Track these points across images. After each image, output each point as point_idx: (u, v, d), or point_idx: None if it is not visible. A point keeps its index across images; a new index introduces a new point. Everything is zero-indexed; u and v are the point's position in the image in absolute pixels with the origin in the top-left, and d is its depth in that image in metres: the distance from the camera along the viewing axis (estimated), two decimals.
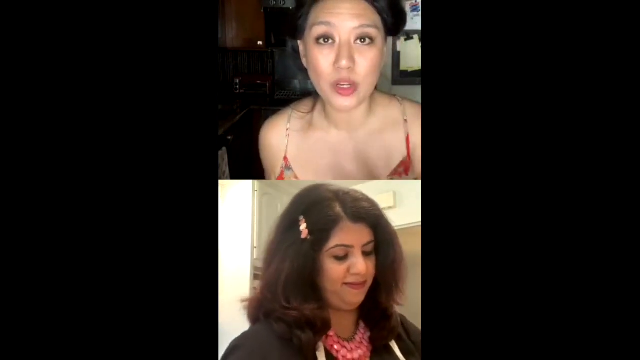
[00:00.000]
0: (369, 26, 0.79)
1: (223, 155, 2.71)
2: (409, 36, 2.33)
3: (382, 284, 0.74)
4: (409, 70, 2.45)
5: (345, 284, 0.70)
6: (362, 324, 0.77)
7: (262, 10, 3.54)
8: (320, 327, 0.69)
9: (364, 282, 0.71)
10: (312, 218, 0.71)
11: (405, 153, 0.92)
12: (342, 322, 0.74)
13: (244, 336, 0.70)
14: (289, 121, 0.96)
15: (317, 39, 0.81)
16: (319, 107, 0.94)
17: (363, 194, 0.76)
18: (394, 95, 0.96)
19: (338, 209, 0.71)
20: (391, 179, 0.91)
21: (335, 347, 0.71)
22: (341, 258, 0.70)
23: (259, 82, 3.87)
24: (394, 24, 0.84)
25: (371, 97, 0.91)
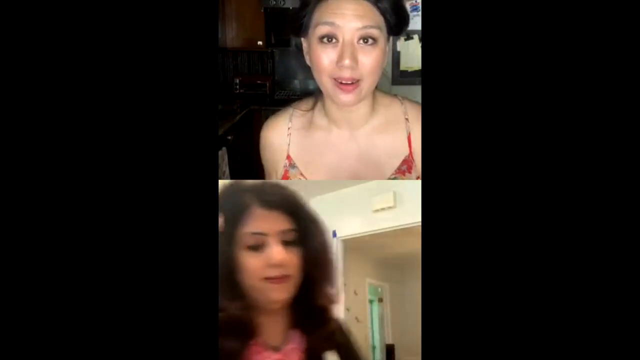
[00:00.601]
0: (372, 27, 0.81)
1: (223, 155, 2.71)
2: (409, 36, 2.33)
3: (311, 280, 0.69)
4: (409, 70, 2.45)
5: (266, 278, 0.65)
6: (297, 332, 0.71)
7: (262, 10, 3.53)
8: (244, 331, 0.65)
9: (286, 276, 0.66)
10: (226, 212, 0.68)
11: (407, 151, 0.92)
12: (271, 327, 0.69)
13: None
14: (290, 120, 0.96)
15: (321, 38, 0.82)
16: (319, 105, 0.95)
17: (283, 186, 0.72)
18: (395, 95, 0.97)
19: (248, 196, 0.67)
20: (395, 177, 0.91)
21: (256, 357, 0.66)
22: (256, 248, 0.66)
23: (259, 82, 3.87)
24: (396, 25, 0.85)
25: (372, 97, 0.91)
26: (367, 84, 0.84)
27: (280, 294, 0.67)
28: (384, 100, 0.94)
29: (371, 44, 0.81)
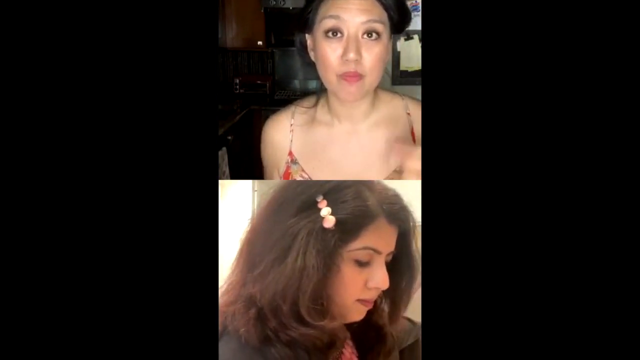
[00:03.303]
0: (376, 21, 0.82)
1: (223, 155, 2.71)
2: (409, 36, 2.33)
3: (387, 304, 0.65)
4: (409, 70, 2.45)
5: (359, 300, 0.59)
6: (349, 343, 0.67)
7: (262, 10, 3.53)
8: (335, 348, 0.59)
9: (374, 300, 0.61)
10: (338, 204, 0.58)
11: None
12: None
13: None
14: (292, 117, 0.97)
15: (326, 32, 0.83)
16: (322, 102, 0.95)
17: (394, 190, 0.63)
18: (396, 92, 0.98)
19: (373, 200, 0.58)
20: (400, 170, 0.90)
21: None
22: (363, 265, 0.59)
23: (259, 82, 3.87)
24: (399, 22, 0.86)
25: (374, 94, 0.93)
26: (371, 79, 0.85)
27: (362, 316, 0.61)
28: (385, 96, 0.96)
29: (375, 39, 0.83)
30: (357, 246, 0.57)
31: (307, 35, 0.89)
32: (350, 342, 0.68)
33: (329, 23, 0.82)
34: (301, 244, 0.55)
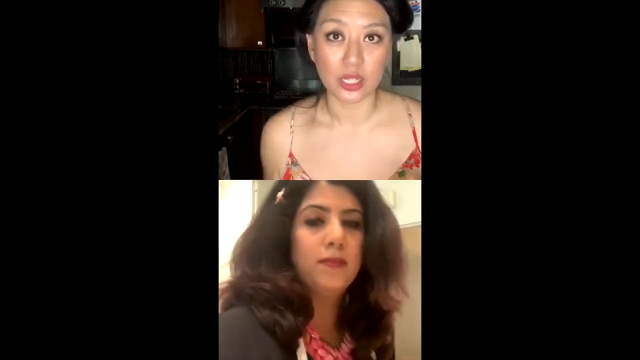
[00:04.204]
0: (377, 25, 0.81)
1: (223, 155, 2.71)
2: (409, 36, 2.33)
3: (372, 275, 0.65)
4: (409, 70, 2.44)
5: (321, 261, 0.62)
6: (347, 335, 0.67)
7: (262, 10, 3.53)
8: (300, 306, 0.61)
9: (342, 261, 0.62)
10: (290, 184, 0.67)
11: (414, 146, 0.93)
12: (324, 322, 0.66)
13: (222, 323, 0.61)
14: (292, 118, 0.97)
15: (327, 35, 0.82)
16: (321, 103, 0.95)
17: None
18: (397, 93, 0.98)
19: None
20: (403, 170, 0.92)
21: (320, 352, 0.64)
22: (314, 224, 0.63)
23: (259, 82, 3.87)
24: (401, 22, 0.86)
25: (375, 94, 0.92)
26: (371, 82, 0.84)
27: (334, 280, 0.62)
28: (386, 97, 0.95)
29: (376, 42, 0.82)
30: (302, 207, 0.63)
31: (307, 35, 0.89)
32: (347, 334, 0.67)
33: (330, 26, 0.81)
34: (257, 222, 0.63)
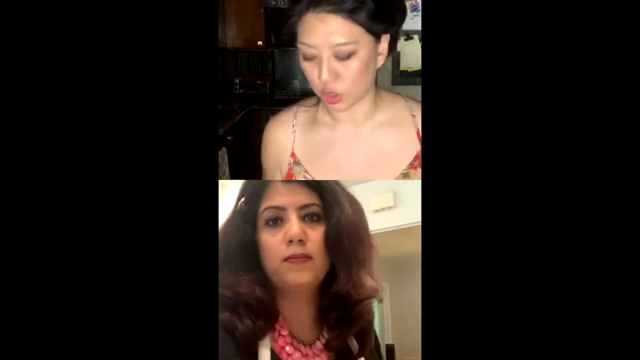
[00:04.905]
0: (345, 44, 0.79)
1: (223, 155, 2.71)
2: (409, 36, 2.33)
3: (334, 263, 0.64)
4: (409, 70, 2.44)
5: (285, 260, 0.62)
6: (325, 329, 0.67)
7: (262, 10, 3.54)
8: (259, 311, 0.62)
9: (306, 256, 0.62)
10: (247, 191, 0.68)
11: (418, 147, 0.92)
12: (300, 319, 0.66)
13: None
14: (295, 117, 0.97)
15: (303, 56, 0.83)
16: (322, 102, 0.94)
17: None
18: (399, 94, 0.97)
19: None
20: (407, 172, 0.92)
21: (288, 349, 0.63)
22: (274, 224, 0.63)
23: (259, 82, 3.87)
24: (384, 28, 0.83)
25: (376, 94, 0.92)
26: (354, 92, 0.84)
27: (301, 276, 0.62)
28: (387, 96, 0.95)
29: (348, 59, 0.80)
30: (261, 210, 0.64)
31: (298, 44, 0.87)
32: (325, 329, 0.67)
33: (302, 49, 0.82)
34: (225, 223, 0.65)
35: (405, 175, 0.92)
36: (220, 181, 0.73)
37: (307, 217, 0.64)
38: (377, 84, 0.92)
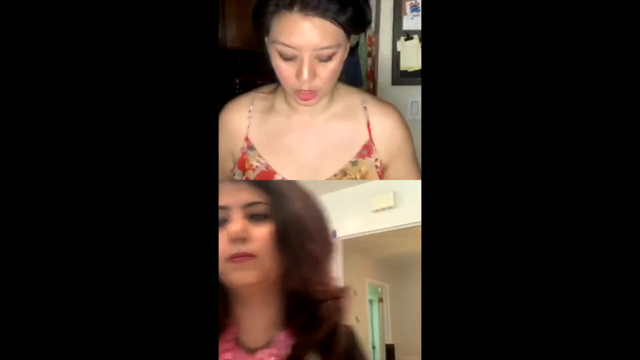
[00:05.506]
0: (329, 47, 0.81)
1: None
2: (409, 36, 2.33)
3: (285, 260, 0.61)
4: (409, 70, 2.44)
5: (229, 259, 0.60)
6: (285, 333, 0.63)
7: None
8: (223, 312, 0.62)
9: (248, 255, 0.60)
10: None
11: (367, 137, 0.96)
12: (253, 324, 0.63)
13: None
14: (252, 103, 0.99)
15: (280, 55, 0.83)
16: (280, 90, 0.97)
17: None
18: (353, 87, 1.02)
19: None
20: (355, 160, 0.95)
21: (227, 355, 0.61)
22: (221, 225, 0.62)
23: (259, 82, 3.85)
24: (357, 30, 0.85)
25: (333, 87, 0.94)
26: (326, 88, 0.87)
27: (244, 275, 0.60)
28: (343, 90, 0.98)
29: (329, 60, 0.82)
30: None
31: (265, 38, 0.86)
32: (283, 333, 0.63)
33: (281, 49, 0.81)
34: None
35: (353, 164, 0.95)
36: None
37: (253, 216, 0.62)
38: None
